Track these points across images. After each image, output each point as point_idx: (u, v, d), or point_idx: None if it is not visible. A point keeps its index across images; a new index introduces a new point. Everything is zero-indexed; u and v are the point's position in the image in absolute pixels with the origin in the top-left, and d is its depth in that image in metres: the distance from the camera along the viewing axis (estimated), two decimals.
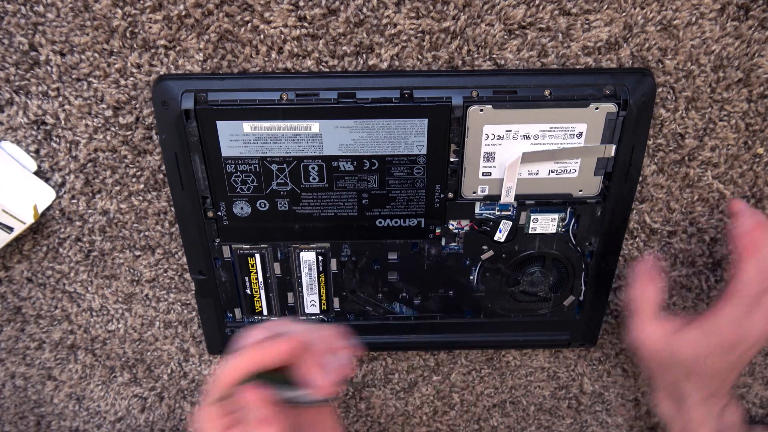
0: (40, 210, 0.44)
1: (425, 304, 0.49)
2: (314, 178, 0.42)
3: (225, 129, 0.39)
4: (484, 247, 0.46)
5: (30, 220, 0.43)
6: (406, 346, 0.52)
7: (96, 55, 0.39)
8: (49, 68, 0.40)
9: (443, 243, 0.45)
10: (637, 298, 0.44)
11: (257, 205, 0.43)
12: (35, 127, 0.42)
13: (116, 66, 0.40)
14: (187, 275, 0.49)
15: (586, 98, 0.39)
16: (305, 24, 0.39)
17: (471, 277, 0.47)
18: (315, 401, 0.39)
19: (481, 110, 0.39)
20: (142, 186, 0.44)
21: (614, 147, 0.41)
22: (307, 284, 0.47)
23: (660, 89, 0.41)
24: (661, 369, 0.44)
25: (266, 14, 0.38)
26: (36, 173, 0.43)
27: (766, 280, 0.40)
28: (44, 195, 0.44)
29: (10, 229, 0.44)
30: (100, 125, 0.42)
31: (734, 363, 0.42)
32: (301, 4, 0.38)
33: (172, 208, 0.45)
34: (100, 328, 0.51)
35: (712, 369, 0.42)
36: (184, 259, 0.47)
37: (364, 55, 0.40)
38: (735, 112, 0.43)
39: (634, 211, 0.47)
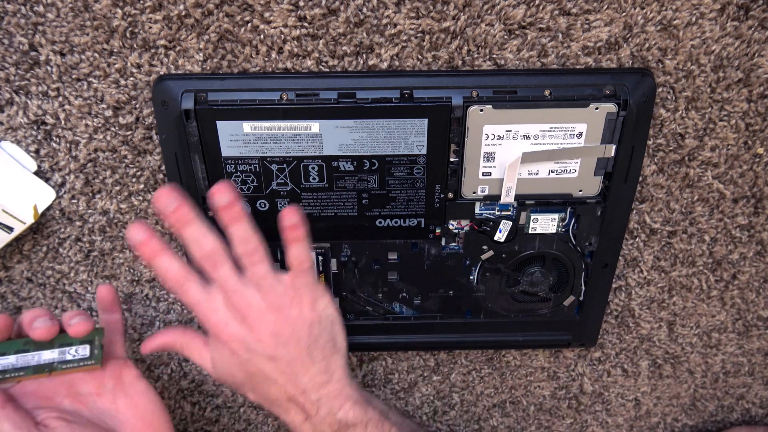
0: (40, 210, 0.44)
1: (425, 304, 0.49)
2: (314, 178, 0.42)
3: (225, 129, 0.39)
4: (484, 247, 0.46)
5: (30, 220, 0.43)
6: (406, 346, 0.52)
7: (96, 55, 0.39)
8: (49, 68, 0.40)
9: (443, 243, 0.45)
10: (170, 343, 0.43)
11: (257, 205, 0.43)
12: (35, 127, 0.42)
13: (116, 66, 0.40)
14: None
15: (586, 98, 0.39)
16: (305, 24, 0.39)
17: (471, 277, 0.47)
18: (76, 362, 0.40)
19: (481, 110, 0.39)
20: (142, 186, 0.44)
21: (614, 147, 0.41)
22: None
23: (660, 89, 0.41)
24: (239, 392, 0.43)
25: (266, 14, 0.38)
26: (36, 173, 0.43)
27: None
28: (44, 195, 0.44)
29: (10, 229, 0.44)
30: (100, 125, 0.42)
31: (257, 357, 0.39)
32: (301, 4, 0.38)
33: None
34: None
35: (242, 372, 0.40)
36: (184, 259, 0.47)
37: (364, 55, 0.40)
38: (735, 112, 0.43)
39: (634, 211, 0.47)
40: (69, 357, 0.40)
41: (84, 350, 0.40)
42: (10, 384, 0.40)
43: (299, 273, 0.40)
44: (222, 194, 0.37)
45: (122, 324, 0.43)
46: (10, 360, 0.39)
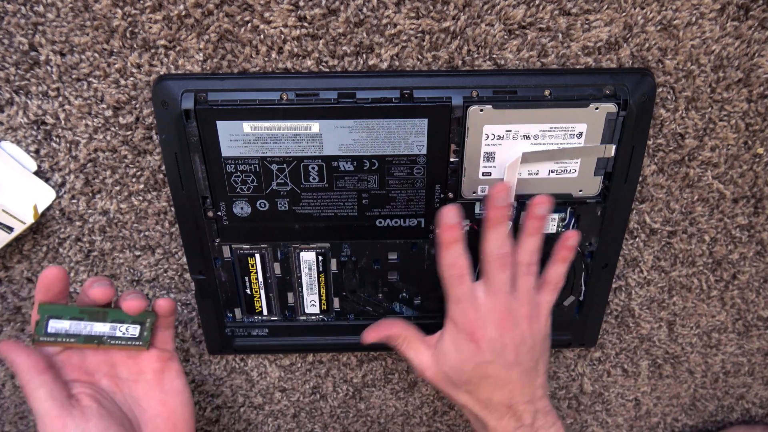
0: (40, 210, 0.44)
1: (425, 304, 0.49)
2: (314, 178, 0.42)
3: (225, 129, 0.39)
4: None
5: (30, 220, 0.43)
6: None
7: (96, 55, 0.39)
8: (49, 68, 0.40)
9: None
10: (394, 335, 0.44)
11: (257, 205, 0.43)
12: (35, 127, 0.42)
13: (116, 66, 0.40)
14: (187, 275, 0.49)
15: (586, 98, 0.39)
16: (305, 24, 0.39)
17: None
18: (124, 340, 0.40)
19: (481, 110, 0.39)
20: (142, 186, 0.44)
21: (614, 147, 0.41)
22: (307, 284, 0.47)
23: (660, 89, 0.41)
24: (446, 390, 0.43)
25: (266, 14, 0.38)
26: (36, 173, 0.43)
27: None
28: (44, 195, 0.44)
29: (10, 229, 0.44)
30: (100, 125, 0.42)
31: (498, 360, 0.40)
32: (301, 4, 0.38)
33: (172, 208, 0.45)
34: None
35: (476, 372, 0.41)
36: (184, 259, 0.47)
37: (364, 55, 0.40)
38: (735, 112, 0.43)
39: (634, 211, 0.47)
40: (119, 333, 0.40)
41: (134, 330, 0.40)
42: (58, 348, 0.40)
43: (552, 290, 0.42)
44: (539, 205, 0.40)
45: (174, 317, 0.43)
46: (64, 325, 0.39)
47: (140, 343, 0.41)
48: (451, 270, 0.40)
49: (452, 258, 0.40)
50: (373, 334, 0.45)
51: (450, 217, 0.39)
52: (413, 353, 0.44)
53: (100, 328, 0.40)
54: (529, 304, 0.41)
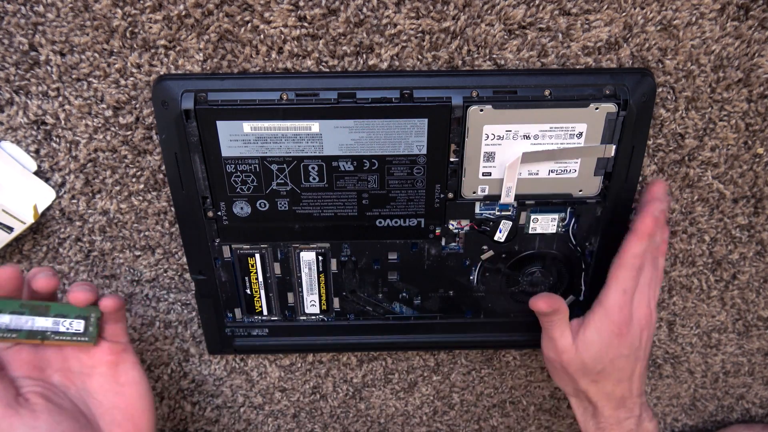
0: (40, 210, 0.44)
1: (425, 304, 0.49)
2: (314, 178, 0.42)
3: (225, 129, 0.39)
4: (484, 247, 0.46)
5: (30, 220, 0.43)
6: (406, 346, 0.52)
7: (96, 55, 0.39)
8: (49, 68, 0.40)
9: (443, 243, 0.45)
10: (559, 310, 0.44)
11: (257, 205, 0.43)
12: (35, 127, 0.42)
13: (116, 66, 0.40)
14: (187, 275, 0.49)
15: (586, 98, 0.39)
16: (305, 24, 0.39)
17: (471, 277, 0.47)
18: (69, 335, 0.40)
19: (481, 110, 0.39)
20: (142, 186, 0.44)
21: (614, 147, 0.41)
22: (307, 284, 0.47)
23: (660, 89, 0.41)
24: (573, 376, 0.44)
25: (266, 14, 0.38)
26: (36, 173, 0.43)
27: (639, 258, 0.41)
28: (44, 195, 0.44)
29: (10, 229, 0.44)
30: (100, 125, 0.42)
31: (631, 354, 0.42)
32: (301, 4, 0.38)
33: (172, 208, 0.45)
34: None
35: (612, 364, 0.43)
36: (184, 259, 0.47)
37: (364, 55, 0.40)
38: (735, 112, 0.43)
39: (634, 211, 0.47)
40: (62, 329, 0.39)
41: (78, 325, 0.40)
42: (5, 345, 0.40)
43: (660, 279, 0.45)
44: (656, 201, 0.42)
45: (123, 311, 0.42)
46: (5, 320, 0.38)
47: (86, 339, 0.40)
48: (634, 260, 0.41)
49: (640, 249, 0.41)
50: (544, 304, 0.44)
51: (659, 208, 0.41)
52: (559, 333, 0.44)
53: (42, 323, 0.39)
54: (654, 310, 0.43)
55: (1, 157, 0.42)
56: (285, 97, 0.39)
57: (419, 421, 0.59)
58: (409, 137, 0.40)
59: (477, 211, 0.44)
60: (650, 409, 0.46)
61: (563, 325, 0.44)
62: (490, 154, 0.41)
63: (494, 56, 0.40)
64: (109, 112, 0.41)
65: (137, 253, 0.47)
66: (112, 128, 0.42)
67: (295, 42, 0.39)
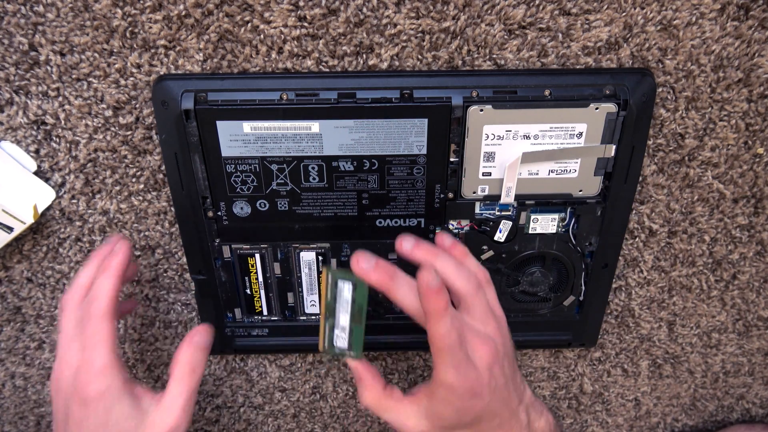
0: (40, 210, 0.44)
1: None
2: (314, 178, 0.42)
3: (225, 129, 0.39)
4: (484, 247, 0.46)
5: (30, 220, 0.43)
6: (406, 346, 0.52)
7: (96, 55, 0.39)
8: (49, 68, 0.40)
9: None
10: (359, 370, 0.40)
11: (257, 205, 0.43)
12: (35, 127, 0.42)
13: (116, 66, 0.40)
14: (187, 275, 0.49)
15: (586, 98, 0.39)
16: (305, 24, 0.39)
17: None
18: None
19: (481, 110, 0.39)
20: (142, 186, 0.44)
21: (614, 147, 0.41)
22: (307, 284, 0.47)
23: (660, 89, 0.41)
24: None
25: (266, 14, 0.38)
26: (36, 173, 0.43)
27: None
28: (44, 195, 0.44)
29: (10, 229, 0.44)
30: (100, 125, 0.42)
31: (499, 393, 0.38)
32: (301, 4, 0.38)
33: (172, 208, 0.45)
34: None
35: (476, 416, 0.37)
36: (184, 259, 0.47)
37: (364, 55, 0.40)
38: (735, 112, 0.43)
39: (634, 211, 0.47)
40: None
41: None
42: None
43: (486, 284, 0.41)
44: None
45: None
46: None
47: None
48: (447, 340, 0.35)
49: (446, 327, 0.35)
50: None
51: (432, 279, 0.34)
52: (395, 415, 0.39)
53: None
54: (490, 319, 0.38)
55: (1, 157, 0.42)
56: (285, 97, 0.39)
57: None
58: (409, 137, 0.40)
59: (477, 211, 0.44)
60: (537, 401, 0.42)
61: (391, 404, 0.39)
62: (490, 154, 0.41)
63: (494, 56, 0.40)
64: (109, 112, 0.41)
65: (137, 253, 0.47)
66: (112, 128, 0.42)
67: (295, 42, 0.39)
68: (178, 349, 0.39)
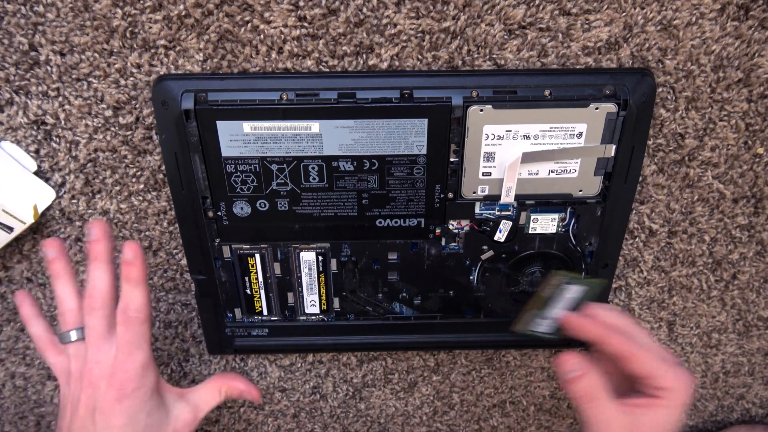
0: (40, 210, 0.44)
1: (425, 304, 0.49)
2: (314, 178, 0.42)
3: (225, 129, 0.39)
4: (484, 247, 0.46)
5: (30, 220, 0.43)
6: (406, 346, 0.52)
7: (96, 55, 0.39)
8: (49, 68, 0.40)
9: (443, 243, 0.45)
10: (585, 387, 0.40)
11: (257, 205, 0.43)
12: (35, 127, 0.42)
13: (116, 66, 0.40)
14: (187, 275, 0.49)
15: (586, 98, 0.39)
16: (305, 24, 0.39)
17: (471, 277, 0.47)
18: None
19: (481, 110, 0.39)
20: (142, 186, 0.44)
21: (614, 147, 0.41)
22: (307, 284, 0.47)
23: (660, 89, 0.41)
24: None
25: (266, 14, 0.38)
26: (36, 173, 0.43)
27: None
28: (44, 195, 0.44)
29: (10, 229, 0.44)
30: (100, 125, 0.42)
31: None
32: (301, 4, 0.38)
33: (172, 208, 0.45)
34: None
35: None
36: (184, 260, 0.47)
37: (364, 55, 0.40)
38: (735, 112, 0.43)
39: (634, 211, 0.47)
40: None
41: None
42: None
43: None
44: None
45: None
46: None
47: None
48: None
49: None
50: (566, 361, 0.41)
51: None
52: (599, 413, 0.40)
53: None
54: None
55: (1, 157, 0.42)
56: (285, 97, 0.39)
57: (419, 421, 0.59)
58: (409, 137, 0.40)
59: (477, 211, 0.44)
60: None
61: (608, 400, 0.39)
62: (490, 154, 0.41)
63: (494, 56, 0.40)
64: (109, 112, 0.41)
65: None
66: (112, 128, 0.42)
67: (295, 42, 0.39)
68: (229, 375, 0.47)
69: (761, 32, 0.40)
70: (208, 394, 0.45)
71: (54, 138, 0.42)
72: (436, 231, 0.45)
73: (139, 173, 0.44)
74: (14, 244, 0.46)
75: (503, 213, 0.44)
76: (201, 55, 0.39)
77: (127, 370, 0.39)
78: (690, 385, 0.39)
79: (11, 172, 0.42)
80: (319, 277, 0.47)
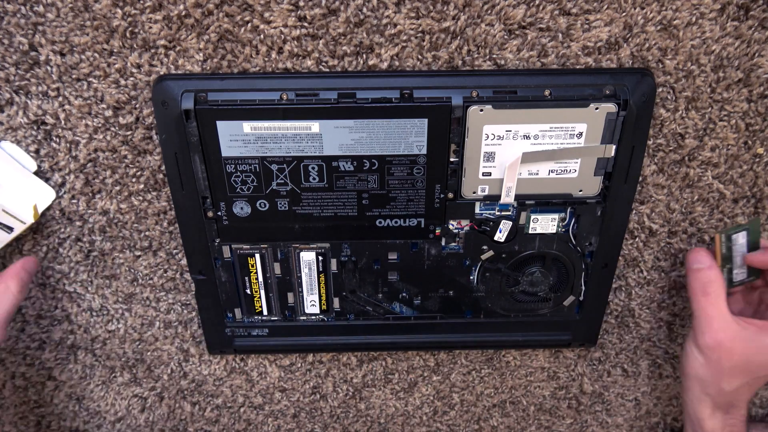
0: (40, 210, 0.44)
1: (425, 304, 0.49)
2: (314, 178, 0.42)
3: (225, 129, 0.39)
4: (484, 247, 0.46)
5: (30, 220, 0.43)
6: (406, 346, 0.52)
7: (96, 55, 0.39)
8: (49, 68, 0.40)
9: (443, 243, 0.45)
10: (705, 279, 0.43)
11: (257, 205, 0.43)
12: (35, 127, 0.42)
13: (116, 66, 0.40)
14: (187, 275, 0.49)
15: (586, 98, 0.39)
16: (305, 24, 0.39)
17: (471, 277, 0.47)
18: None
19: (481, 110, 0.39)
20: (142, 186, 0.44)
21: (614, 147, 0.41)
22: (307, 284, 0.47)
23: (660, 89, 0.41)
24: (730, 372, 0.42)
25: (266, 14, 0.38)
26: (36, 173, 0.43)
27: None
28: (44, 195, 0.44)
29: (10, 229, 0.44)
30: (100, 125, 0.42)
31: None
32: (301, 4, 0.38)
33: (172, 208, 0.45)
34: (100, 328, 0.51)
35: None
36: (184, 260, 0.47)
37: (364, 55, 0.40)
38: (735, 112, 0.43)
39: (634, 211, 0.47)
40: None
41: None
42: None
43: None
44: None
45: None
46: None
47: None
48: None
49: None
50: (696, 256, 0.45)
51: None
52: (717, 311, 0.42)
53: None
54: None
55: (1, 157, 0.42)
56: (285, 97, 0.39)
57: (419, 421, 0.59)
58: (409, 137, 0.40)
59: (477, 211, 0.44)
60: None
61: (721, 299, 0.42)
62: (490, 154, 0.41)
63: (494, 56, 0.40)
64: (109, 112, 0.41)
65: (137, 253, 0.47)
66: (112, 128, 0.42)
67: (295, 42, 0.39)
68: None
69: (761, 32, 0.40)
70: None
71: (54, 138, 0.42)
72: (436, 231, 0.45)
73: (139, 173, 0.44)
74: (14, 244, 0.46)
75: (503, 213, 0.44)
76: (201, 55, 0.39)
77: None
78: None
79: (11, 172, 0.42)
80: (319, 277, 0.47)
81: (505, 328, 0.50)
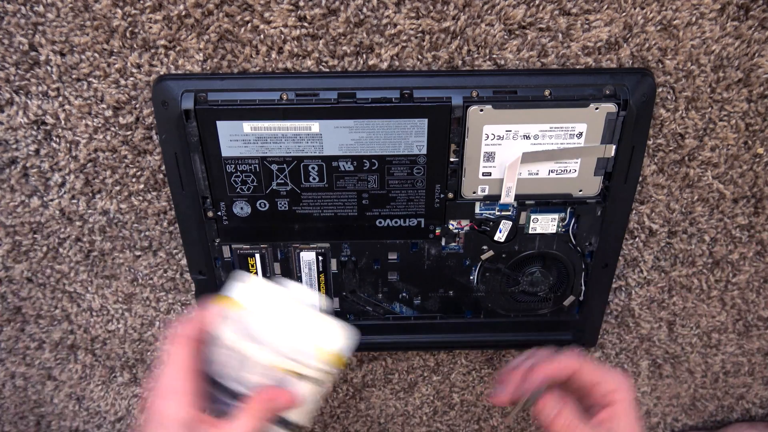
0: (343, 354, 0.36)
1: (425, 304, 0.49)
2: (314, 178, 0.42)
3: (225, 129, 0.39)
4: (484, 247, 0.46)
5: (335, 369, 0.36)
6: (406, 346, 0.52)
7: (96, 55, 0.39)
8: (49, 68, 0.40)
9: (443, 243, 0.45)
10: (566, 420, 0.40)
11: (257, 205, 0.43)
12: (35, 127, 0.42)
13: (116, 66, 0.40)
14: (187, 275, 0.49)
15: (586, 98, 0.39)
16: (305, 24, 0.39)
17: (471, 277, 0.47)
18: None
19: (481, 110, 0.39)
20: (142, 186, 0.44)
21: (614, 147, 0.41)
22: (307, 284, 0.47)
23: (660, 89, 0.41)
24: None
25: (266, 14, 0.38)
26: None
27: None
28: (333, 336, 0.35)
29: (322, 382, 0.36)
30: (100, 125, 0.42)
31: None
32: (301, 4, 0.38)
33: (172, 208, 0.45)
34: (100, 328, 0.51)
35: None
36: (184, 260, 0.47)
37: (364, 55, 0.40)
38: (735, 112, 0.43)
39: (634, 211, 0.47)
40: None
41: None
42: None
43: None
44: None
45: None
46: None
47: None
48: None
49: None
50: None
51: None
52: None
53: None
54: None
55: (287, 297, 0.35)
56: (285, 97, 0.39)
57: (419, 421, 0.59)
58: (409, 137, 0.40)
59: (477, 211, 0.44)
60: None
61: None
62: (490, 154, 0.41)
63: (494, 56, 0.40)
64: (109, 112, 0.41)
65: (137, 253, 0.47)
66: (112, 128, 0.42)
67: (295, 42, 0.39)
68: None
69: (761, 32, 0.40)
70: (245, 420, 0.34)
71: (54, 138, 0.42)
72: (436, 231, 0.45)
73: (139, 173, 0.44)
74: (15, 247, 0.46)
75: (503, 213, 0.44)
76: (201, 55, 0.39)
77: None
78: (626, 379, 0.40)
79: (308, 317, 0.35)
80: (319, 277, 0.47)
81: (505, 328, 0.50)
